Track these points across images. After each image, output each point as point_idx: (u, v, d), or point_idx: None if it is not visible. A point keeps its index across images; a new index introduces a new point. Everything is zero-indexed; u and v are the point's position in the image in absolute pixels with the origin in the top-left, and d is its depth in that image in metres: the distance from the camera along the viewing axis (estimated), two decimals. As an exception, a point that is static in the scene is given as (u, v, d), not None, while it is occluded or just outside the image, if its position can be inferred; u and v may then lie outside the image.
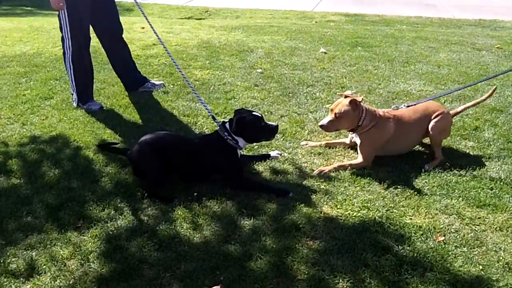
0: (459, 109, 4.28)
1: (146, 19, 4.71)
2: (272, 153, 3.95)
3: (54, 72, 5.97)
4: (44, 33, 8.29)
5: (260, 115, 3.66)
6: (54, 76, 5.82)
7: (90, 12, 4.69)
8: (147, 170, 3.50)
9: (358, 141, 3.86)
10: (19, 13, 12.24)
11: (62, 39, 4.73)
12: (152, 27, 4.68)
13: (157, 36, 4.65)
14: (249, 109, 3.91)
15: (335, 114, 3.73)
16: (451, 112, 4.12)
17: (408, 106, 4.00)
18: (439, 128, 3.89)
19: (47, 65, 6.26)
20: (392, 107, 4.09)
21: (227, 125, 3.62)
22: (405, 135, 3.88)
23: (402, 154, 3.96)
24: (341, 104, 3.74)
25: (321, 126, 3.79)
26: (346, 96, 3.81)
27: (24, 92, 5.42)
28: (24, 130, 4.51)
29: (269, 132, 3.67)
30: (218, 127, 3.65)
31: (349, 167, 3.75)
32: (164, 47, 4.59)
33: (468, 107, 4.35)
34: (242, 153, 3.72)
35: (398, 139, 3.85)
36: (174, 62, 4.49)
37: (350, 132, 3.92)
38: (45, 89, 5.47)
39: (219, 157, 3.57)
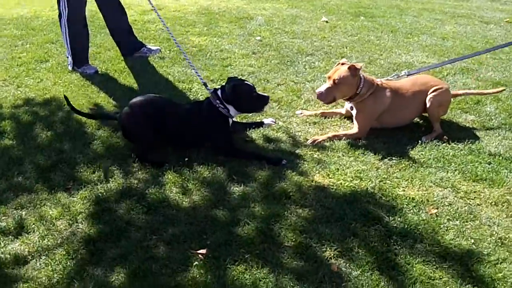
0: (460, 92, 4.19)
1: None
2: (266, 120, 3.89)
3: (50, 35, 5.87)
4: (42, -4, 8.13)
5: (252, 85, 3.58)
6: (51, 40, 5.73)
7: None
8: (137, 133, 3.45)
9: (354, 111, 3.78)
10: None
11: (58, 1, 4.62)
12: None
13: (150, 2, 4.56)
14: (242, 78, 3.82)
15: (334, 80, 3.59)
16: (452, 92, 4.02)
17: (409, 75, 3.89)
18: (437, 102, 3.79)
19: (44, 28, 6.16)
20: (393, 74, 3.99)
21: (219, 92, 3.53)
22: (402, 107, 3.79)
23: (399, 127, 3.89)
24: (340, 70, 3.61)
25: (319, 95, 3.65)
26: (343, 64, 3.71)
27: (20, 55, 5.34)
28: (19, 92, 4.45)
29: (260, 103, 3.58)
30: (210, 94, 3.57)
31: (343, 137, 3.68)
32: (156, 12, 4.50)
33: (469, 94, 4.28)
34: (232, 121, 3.65)
35: (395, 111, 3.76)
36: (163, 23, 4.40)
37: (347, 101, 3.83)
38: (41, 52, 5.39)
39: (209, 124, 3.51)
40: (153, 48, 5.34)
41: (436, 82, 3.95)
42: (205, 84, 3.77)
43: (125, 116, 3.49)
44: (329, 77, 3.67)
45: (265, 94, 3.63)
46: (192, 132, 3.50)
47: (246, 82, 3.60)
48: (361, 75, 3.66)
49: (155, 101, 3.58)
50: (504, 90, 4.33)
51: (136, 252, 2.57)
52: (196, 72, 3.94)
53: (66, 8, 4.56)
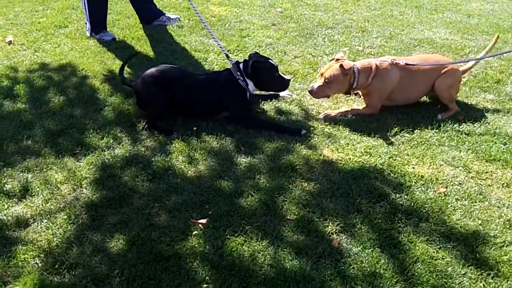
0: (469, 65, 3.99)
1: None
2: (282, 93, 3.82)
3: (72, 1, 5.86)
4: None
5: (276, 65, 3.56)
6: (71, 5, 5.72)
7: None
8: (150, 101, 3.44)
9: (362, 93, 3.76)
10: None
11: None
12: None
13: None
14: (265, 55, 3.75)
15: (325, 79, 3.53)
16: (460, 69, 3.87)
17: (407, 65, 3.66)
18: (447, 85, 3.67)
19: (65, -7, 6.15)
20: (390, 58, 3.73)
21: (241, 65, 3.51)
22: (411, 85, 3.68)
23: (411, 103, 3.79)
24: (331, 69, 3.54)
25: (310, 92, 3.60)
26: (337, 60, 3.62)
27: (40, 19, 5.36)
28: (35, 56, 4.48)
29: (280, 84, 3.58)
30: (232, 66, 3.54)
31: (356, 113, 3.61)
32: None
33: (478, 59, 4.13)
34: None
35: (404, 89, 3.66)
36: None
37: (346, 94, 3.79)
38: (60, 17, 5.39)
39: (228, 95, 3.48)
40: (172, 16, 5.29)
41: (445, 61, 3.82)
42: (227, 55, 3.74)
43: (139, 84, 3.49)
44: (321, 74, 3.60)
45: (287, 77, 3.62)
46: (209, 102, 3.49)
47: (270, 60, 3.57)
48: (354, 69, 3.54)
49: (171, 71, 3.59)
50: (498, 36, 4.13)
51: (137, 219, 2.58)
52: (218, 44, 3.91)
53: (85, -25, 4.53)
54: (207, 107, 3.50)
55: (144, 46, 4.68)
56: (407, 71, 3.63)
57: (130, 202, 2.72)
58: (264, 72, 3.48)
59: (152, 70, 3.55)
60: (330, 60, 3.72)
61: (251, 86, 3.51)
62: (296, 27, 5.28)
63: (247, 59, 3.55)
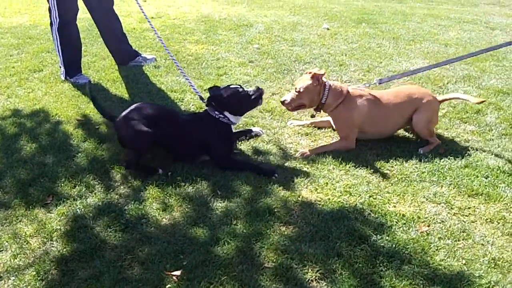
0: (449, 96, 3.96)
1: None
2: (254, 129, 3.79)
3: (47, 44, 5.82)
4: (43, 5, 8.08)
5: (237, 86, 3.51)
6: (47, 48, 5.67)
7: None
8: (133, 138, 3.31)
9: (330, 120, 3.75)
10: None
11: (49, 10, 4.56)
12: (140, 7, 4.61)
13: (142, 11, 4.53)
14: (222, 85, 3.66)
15: (296, 88, 3.57)
16: (439, 98, 3.83)
17: (380, 83, 3.81)
18: (425, 120, 3.63)
19: (41, 37, 6.11)
20: (364, 83, 3.82)
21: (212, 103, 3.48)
22: (383, 117, 3.63)
23: (391, 136, 3.75)
24: (303, 79, 3.60)
25: (282, 102, 3.63)
26: (310, 72, 3.62)
27: (14, 64, 5.29)
28: (8, 103, 4.39)
29: (253, 98, 3.49)
30: (207, 107, 3.51)
31: (332, 149, 3.57)
32: (149, 22, 4.46)
33: (458, 99, 4.08)
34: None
35: (375, 121, 3.62)
36: (156, 33, 4.32)
37: (317, 112, 3.71)
38: (35, 61, 5.33)
39: (212, 135, 3.41)
40: (149, 57, 5.26)
41: (421, 94, 3.71)
42: (201, 98, 3.75)
43: (121, 119, 3.38)
44: (294, 85, 3.64)
45: (253, 88, 3.54)
46: (191, 143, 3.40)
47: (230, 86, 3.52)
48: (326, 84, 3.57)
49: (155, 109, 3.48)
50: (484, 101, 4.09)
51: (108, 273, 2.46)
52: (192, 85, 3.93)
53: (57, 18, 4.49)
54: (190, 149, 3.41)
55: (119, 88, 4.63)
56: (377, 102, 3.61)
57: (101, 254, 2.60)
58: (231, 98, 3.42)
59: (136, 105, 3.46)
60: (306, 73, 3.69)
61: (231, 117, 3.46)
62: (274, 63, 5.27)
63: (210, 96, 3.51)
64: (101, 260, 2.56)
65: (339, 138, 3.66)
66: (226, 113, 3.44)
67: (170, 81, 4.75)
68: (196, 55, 5.46)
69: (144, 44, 5.81)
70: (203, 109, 3.64)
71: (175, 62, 4.14)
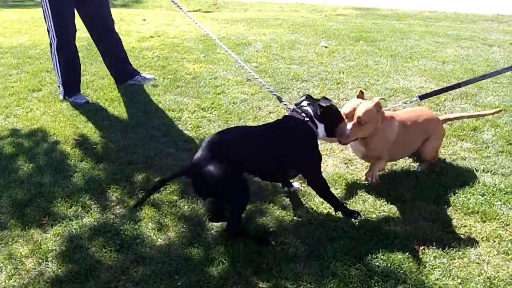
0: (452, 116, 3.93)
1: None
2: (295, 185, 3.33)
3: (46, 64, 5.86)
4: (43, 24, 8.11)
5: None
6: (46, 68, 5.72)
7: (77, 3, 4.57)
8: (229, 193, 2.73)
9: (362, 149, 3.39)
10: (27, 5, 12.20)
11: (48, 30, 4.62)
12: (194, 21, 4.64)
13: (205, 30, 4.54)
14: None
15: (358, 118, 3.09)
16: (441, 118, 3.79)
17: (421, 99, 3.54)
18: (437, 145, 3.59)
19: (41, 56, 6.16)
20: (404, 100, 3.59)
21: (307, 108, 3.06)
22: (406, 141, 3.44)
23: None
24: (364, 106, 3.12)
25: (341, 137, 3.12)
26: (359, 97, 3.26)
27: (13, 84, 5.33)
28: (6, 122, 4.42)
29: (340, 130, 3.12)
30: (290, 110, 3.11)
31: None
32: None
33: (462, 118, 4.07)
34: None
35: (399, 144, 3.40)
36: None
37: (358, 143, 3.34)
38: (34, 81, 5.37)
39: (297, 142, 2.94)
40: (148, 76, 5.30)
41: (435, 119, 3.63)
42: (279, 98, 3.52)
43: (207, 166, 2.67)
44: (347, 115, 3.15)
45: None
46: (274, 158, 2.91)
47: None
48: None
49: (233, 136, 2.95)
50: (500, 111, 4.10)
51: (103, 294, 2.46)
52: (271, 91, 3.82)
53: (55, 38, 4.54)
54: (274, 166, 2.95)
55: (117, 108, 4.65)
56: (404, 125, 3.41)
57: (96, 275, 2.60)
58: (335, 114, 3.08)
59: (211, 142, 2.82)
60: (355, 99, 3.26)
61: (321, 130, 3.05)
62: (271, 82, 5.30)
63: (310, 101, 3.11)
64: (95, 280, 2.56)
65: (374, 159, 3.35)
66: (319, 123, 3.04)
67: (168, 100, 4.78)
68: (194, 74, 5.49)
69: (143, 64, 5.85)
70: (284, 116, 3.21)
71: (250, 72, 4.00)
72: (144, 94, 4.93)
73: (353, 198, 3.23)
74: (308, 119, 2.99)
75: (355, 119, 3.11)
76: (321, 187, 3.02)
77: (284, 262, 2.65)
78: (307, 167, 3.00)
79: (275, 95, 3.61)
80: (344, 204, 3.08)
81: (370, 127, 3.16)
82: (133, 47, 6.44)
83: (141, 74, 5.28)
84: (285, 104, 3.40)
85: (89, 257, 2.73)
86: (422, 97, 3.57)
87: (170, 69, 5.62)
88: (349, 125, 3.11)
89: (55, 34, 4.53)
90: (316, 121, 3.01)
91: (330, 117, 3.04)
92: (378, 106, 3.15)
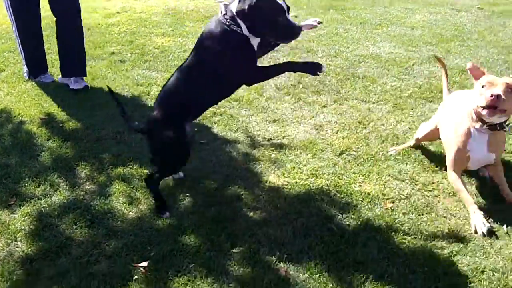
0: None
1: None
2: (309, 21, 3.00)
3: (9, 43, 5.67)
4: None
5: (284, 6, 2.52)
6: (8, 48, 5.54)
7: None
8: (166, 152, 2.82)
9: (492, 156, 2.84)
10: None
11: (7, 11, 4.46)
12: None
13: None
14: None
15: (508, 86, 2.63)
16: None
17: None
18: None
19: (3, 36, 5.97)
20: None
21: (232, 5, 2.56)
22: None
23: (358, 119, 3.77)
24: None
25: (491, 100, 2.59)
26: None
27: (-25, 65, 5.17)
28: (-30, 105, 4.30)
29: (284, 30, 2.53)
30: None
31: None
32: None
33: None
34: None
35: None
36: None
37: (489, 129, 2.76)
38: (-3, 62, 5.22)
39: (226, 48, 2.60)
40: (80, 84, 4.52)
41: None
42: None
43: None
44: (491, 84, 2.67)
45: (297, 23, 2.60)
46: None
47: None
48: None
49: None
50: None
51: (75, 270, 2.43)
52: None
53: (13, 19, 4.39)
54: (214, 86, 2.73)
55: (85, 85, 4.56)
56: None
57: (67, 251, 2.57)
58: (262, 12, 2.48)
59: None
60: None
61: (245, 31, 2.56)
62: (241, 53, 5.25)
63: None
64: (67, 257, 2.53)
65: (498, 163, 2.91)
66: (242, 23, 2.53)
67: (136, 75, 4.70)
68: (163, 48, 5.41)
69: (109, 40, 5.72)
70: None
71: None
72: (112, 70, 4.84)
73: (324, 162, 3.24)
74: (229, 20, 2.55)
75: (503, 86, 2.63)
76: (259, 77, 2.80)
77: (257, 227, 2.66)
78: (238, 70, 2.68)
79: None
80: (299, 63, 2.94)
81: None
82: (99, 24, 6.30)
83: (74, 79, 4.57)
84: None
85: (60, 234, 2.69)
86: None
87: (137, 44, 5.53)
88: (498, 90, 2.61)
89: (13, 16, 4.37)
90: (238, 20, 2.54)
91: (254, 15, 2.49)
92: None
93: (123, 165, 3.28)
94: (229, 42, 2.59)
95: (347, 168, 3.18)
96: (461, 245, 2.50)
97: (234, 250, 2.51)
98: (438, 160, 3.23)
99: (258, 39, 2.63)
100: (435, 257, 2.43)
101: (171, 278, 2.35)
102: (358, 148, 3.40)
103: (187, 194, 2.95)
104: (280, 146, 3.45)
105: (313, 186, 2.99)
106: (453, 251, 2.46)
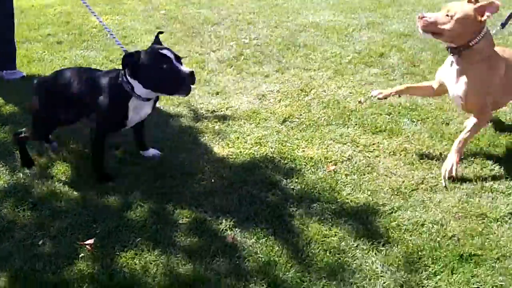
0: None
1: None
2: (151, 151, 3.07)
3: None
4: None
5: (170, 54, 2.54)
6: None
7: None
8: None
9: (458, 80, 2.80)
10: None
11: None
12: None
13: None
14: (165, 45, 2.74)
15: (449, 12, 2.68)
16: None
17: (503, 26, 2.92)
18: None
19: None
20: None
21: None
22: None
23: (301, 88, 3.82)
24: (462, 5, 2.69)
25: (419, 18, 2.73)
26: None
27: None
28: None
29: (176, 81, 2.51)
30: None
31: (470, 138, 2.89)
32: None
33: None
34: (147, 107, 2.75)
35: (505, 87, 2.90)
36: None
37: (451, 54, 2.79)
38: None
39: (101, 96, 2.67)
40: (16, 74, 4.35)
41: None
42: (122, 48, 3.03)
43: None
44: (443, 8, 2.76)
45: (187, 70, 2.51)
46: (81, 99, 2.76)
47: (163, 50, 2.56)
48: (487, 28, 2.73)
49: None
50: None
51: (18, 252, 2.38)
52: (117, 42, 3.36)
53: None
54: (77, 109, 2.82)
55: (21, 68, 4.39)
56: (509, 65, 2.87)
57: (10, 235, 2.51)
58: (147, 65, 2.51)
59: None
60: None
61: (139, 89, 2.58)
62: (181, 27, 5.20)
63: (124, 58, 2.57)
64: (10, 240, 2.47)
65: (471, 117, 2.93)
66: (134, 82, 2.57)
67: (74, 55, 4.58)
68: (101, 27, 5.26)
69: (44, 21, 5.53)
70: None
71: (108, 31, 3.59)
72: (50, 52, 4.69)
73: (268, 131, 3.28)
74: (123, 76, 2.62)
75: (444, 11, 2.72)
76: (94, 143, 2.85)
77: (203, 197, 2.68)
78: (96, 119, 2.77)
79: (122, 47, 3.06)
80: (102, 169, 2.89)
81: (458, 27, 2.67)
82: (33, 5, 6.07)
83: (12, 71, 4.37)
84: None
85: (1, 218, 2.62)
86: (503, 25, 2.92)
87: (74, 24, 5.37)
88: (435, 14, 2.72)
89: None
90: (129, 79, 2.59)
91: (141, 70, 2.54)
92: (479, 10, 2.65)
93: (63, 145, 3.21)
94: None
95: (290, 135, 3.23)
96: (402, 201, 2.61)
97: (180, 222, 2.53)
98: (378, 121, 3.33)
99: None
100: (377, 214, 2.52)
101: (117, 253, 2.35)
102: (300, 115, 3.45)
103: (132, 169, 2.93)
104: (223, 118, 3.46)
105: (257, 155, 3.03)
106: (394, 207, 2.56)
